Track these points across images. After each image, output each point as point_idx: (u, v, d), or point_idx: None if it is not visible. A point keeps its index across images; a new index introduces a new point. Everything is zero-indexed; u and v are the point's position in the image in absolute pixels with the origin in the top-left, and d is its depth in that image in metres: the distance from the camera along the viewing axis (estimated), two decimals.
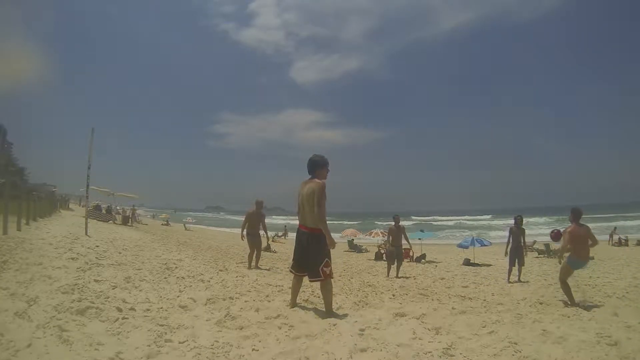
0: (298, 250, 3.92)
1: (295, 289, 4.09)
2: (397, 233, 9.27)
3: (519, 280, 7.91)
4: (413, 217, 64.70)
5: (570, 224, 5.40)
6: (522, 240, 8.31)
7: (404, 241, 9.32)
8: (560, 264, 5.76)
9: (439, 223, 54.07)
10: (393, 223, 9.39)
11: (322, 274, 3.76)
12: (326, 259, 3.80)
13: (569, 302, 5.13)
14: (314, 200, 3.71)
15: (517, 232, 8.33)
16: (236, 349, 2.82)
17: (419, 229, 26.85)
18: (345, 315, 3.82)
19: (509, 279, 8.05)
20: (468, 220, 56.29)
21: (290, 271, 4.14)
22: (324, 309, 3.93)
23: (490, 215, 60.55)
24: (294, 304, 4.04)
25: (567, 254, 5.39)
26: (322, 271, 3.75)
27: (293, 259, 4.04)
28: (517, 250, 8.19)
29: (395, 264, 9.10)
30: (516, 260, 8.12)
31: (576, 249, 5.22)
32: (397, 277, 8.74)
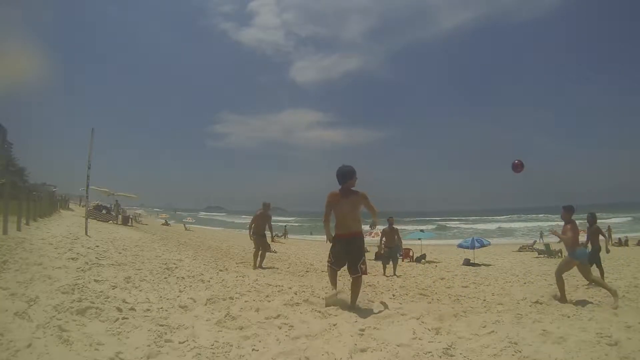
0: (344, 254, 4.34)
1: (334, 278, 4.48)
2: (390, 234, 9.45)
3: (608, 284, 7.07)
4: (435, 220, 59.43)
5: (565, 221, 5.55)
6: (606, 239, 7.65)
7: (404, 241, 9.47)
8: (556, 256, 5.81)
9: (468, 226, 48.13)
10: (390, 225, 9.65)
11: (360, 271, 4.26)
12: (364, 257, 4.32)
13: (561, 299, 5.25)
14: (360, 208, 4.30)
15: (590, 232, 7.61)
16: (236, 349, 2.81)
17: (430, 231, 25.93)
18: (345, 315, 3.82)
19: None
20: (500, 221, 52.06)
21: (332, 267, 4.43)
22: (324, 310, 3.95)
23: (506, 216, 59.85)
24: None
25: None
26: (360, 268, 4.26)
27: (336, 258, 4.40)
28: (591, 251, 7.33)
29: (391, 263, 9.26)
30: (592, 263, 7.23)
31: (576, 240, 5.40)
32: (396, 275, 8.77)
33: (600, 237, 7.64)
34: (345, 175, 4.27)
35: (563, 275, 5.48)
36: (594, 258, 7.37)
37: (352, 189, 4.29)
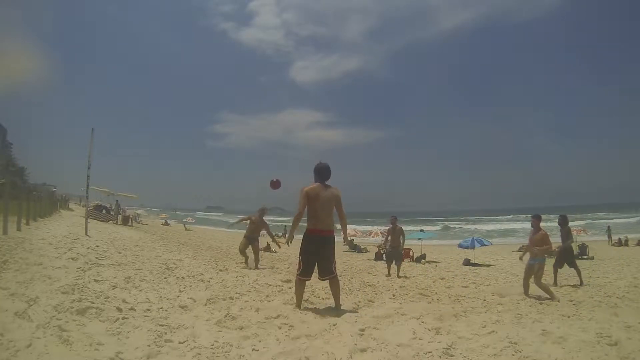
0: (315, 254, 4.10)
1: (302, 294, 4.21)
2: (395, 234, 9.33)
3: (581, 284, 7.13)
4: (437, 221, 57.20)
5: (536, 228, 6.23)
6: (569, 240, 7.62)
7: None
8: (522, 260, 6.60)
9: (469, 227, 46.53)
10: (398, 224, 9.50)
11: (334, 271, 4.17)
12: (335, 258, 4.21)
13: (553, 298, 5.59)
14: (334, 205, 4.13)
15: (563, 233, 7.71)
16: (236, 349, 2.82)
17: (428, 231, 25.65)
18: (345, 315, 3.82)
19: (555, 281, 7.38)
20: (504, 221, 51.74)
21: (301, 278, 4.12)
22: (323, 309, 3.94)
23: (509, 216, 59.64)
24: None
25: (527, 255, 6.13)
26: (334, 268, 4.17)
27: (306, 262, 4.11)
28: (564, 252, 7.59)
29: (395, 264, 9.13)
30: (564, 263, 7.51)
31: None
32: (398, 277, 8.74)
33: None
34: (328, 171, 4.17)
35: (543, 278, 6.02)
36: (569, 257, 7.59)
37: (326, 184, 4.18)
